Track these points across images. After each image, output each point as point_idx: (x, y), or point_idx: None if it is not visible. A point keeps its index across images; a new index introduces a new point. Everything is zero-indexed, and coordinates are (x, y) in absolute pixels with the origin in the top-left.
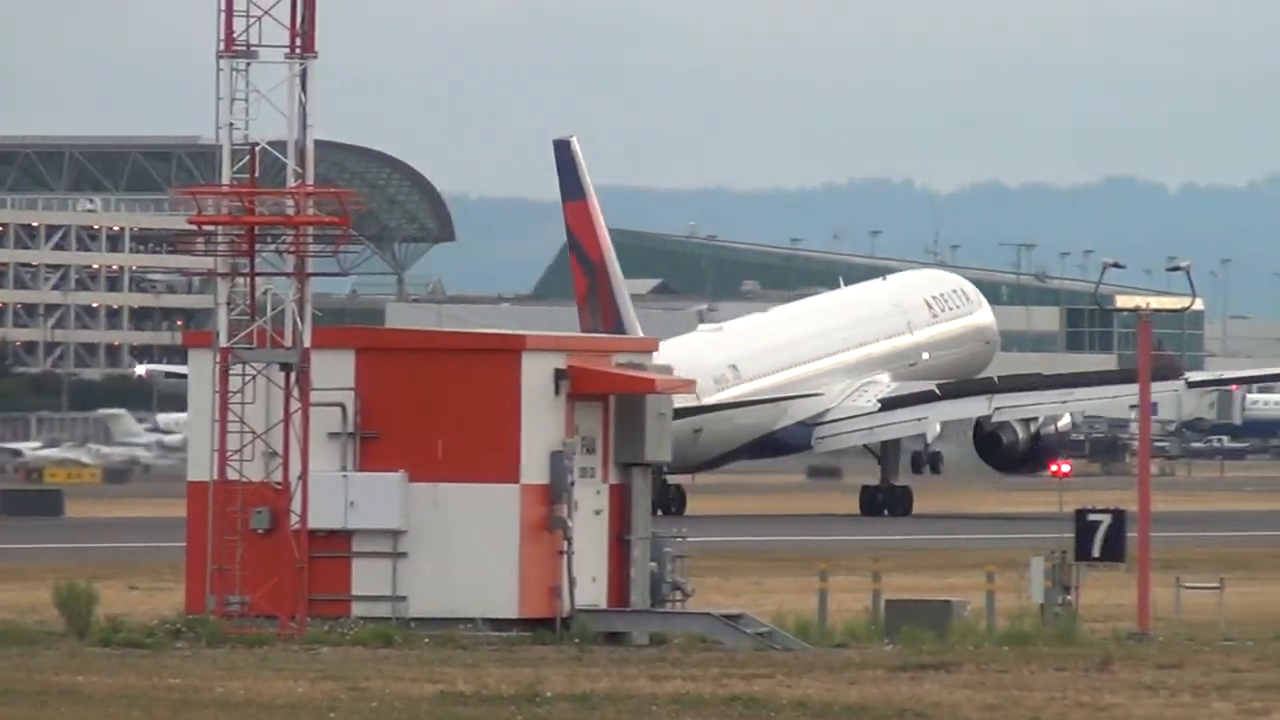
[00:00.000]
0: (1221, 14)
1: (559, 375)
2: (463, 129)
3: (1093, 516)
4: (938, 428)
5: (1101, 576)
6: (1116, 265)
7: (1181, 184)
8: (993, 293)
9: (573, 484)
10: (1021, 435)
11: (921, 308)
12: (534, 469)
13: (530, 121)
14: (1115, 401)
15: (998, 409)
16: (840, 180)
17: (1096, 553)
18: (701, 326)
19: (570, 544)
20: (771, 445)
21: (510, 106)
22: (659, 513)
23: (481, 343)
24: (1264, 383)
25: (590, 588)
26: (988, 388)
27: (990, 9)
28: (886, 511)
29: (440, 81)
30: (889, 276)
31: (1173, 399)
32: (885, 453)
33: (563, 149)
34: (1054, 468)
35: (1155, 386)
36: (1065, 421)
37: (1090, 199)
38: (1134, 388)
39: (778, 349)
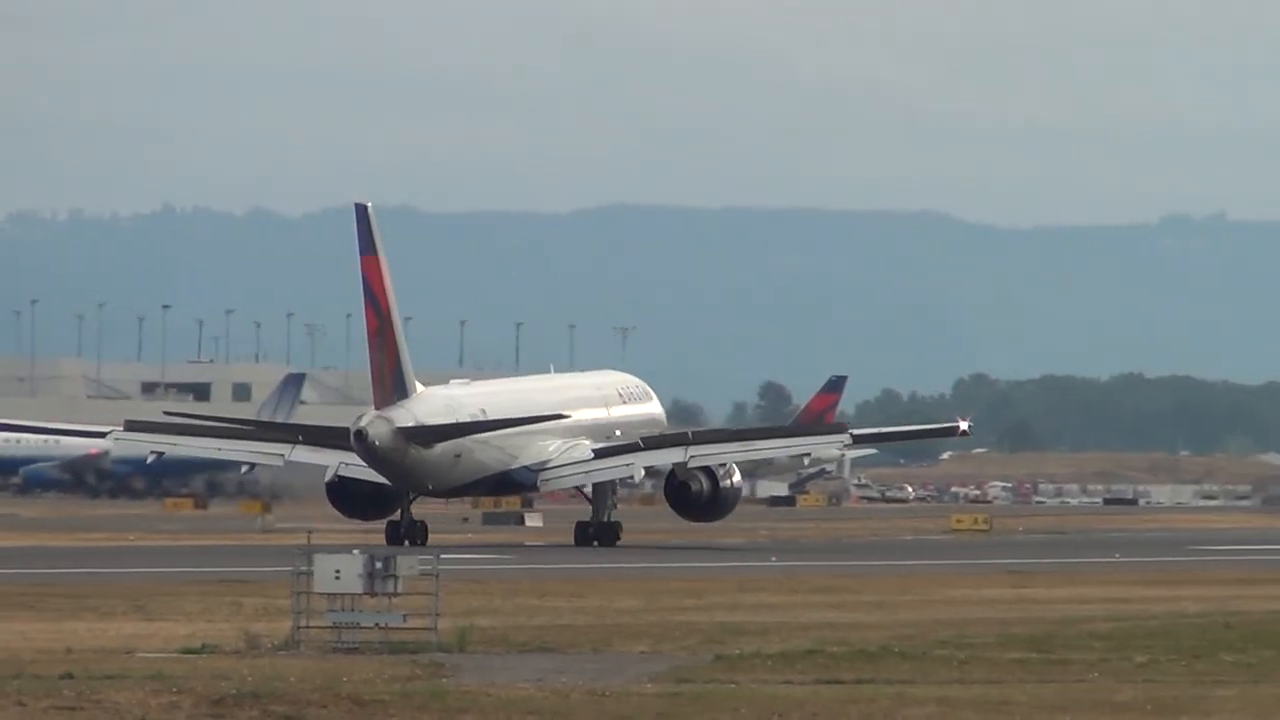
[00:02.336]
0: None
1: None
2: None
3: None
4: (642, 471)
5: None
6: None
7: None
8: None
9: None
10: (706, 486)
11: (615, 396)
12: None
13: None
14: (789, 451)
15: (693, 457)
16: None
17: None
18: (454, 380)
19: None
20: (506, 483)
21: None
22: (406, 543)
23: None
24: (923, 438)
25: None
26: (683, 440)
27: None
28: (596, 543)
29: None
30: (589, 372)
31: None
32: (596, 494)
33: (361, 212)
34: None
35: (822, 440)
36: (738, 477)
37: None
38: (807, 440)
39: (514, 403)
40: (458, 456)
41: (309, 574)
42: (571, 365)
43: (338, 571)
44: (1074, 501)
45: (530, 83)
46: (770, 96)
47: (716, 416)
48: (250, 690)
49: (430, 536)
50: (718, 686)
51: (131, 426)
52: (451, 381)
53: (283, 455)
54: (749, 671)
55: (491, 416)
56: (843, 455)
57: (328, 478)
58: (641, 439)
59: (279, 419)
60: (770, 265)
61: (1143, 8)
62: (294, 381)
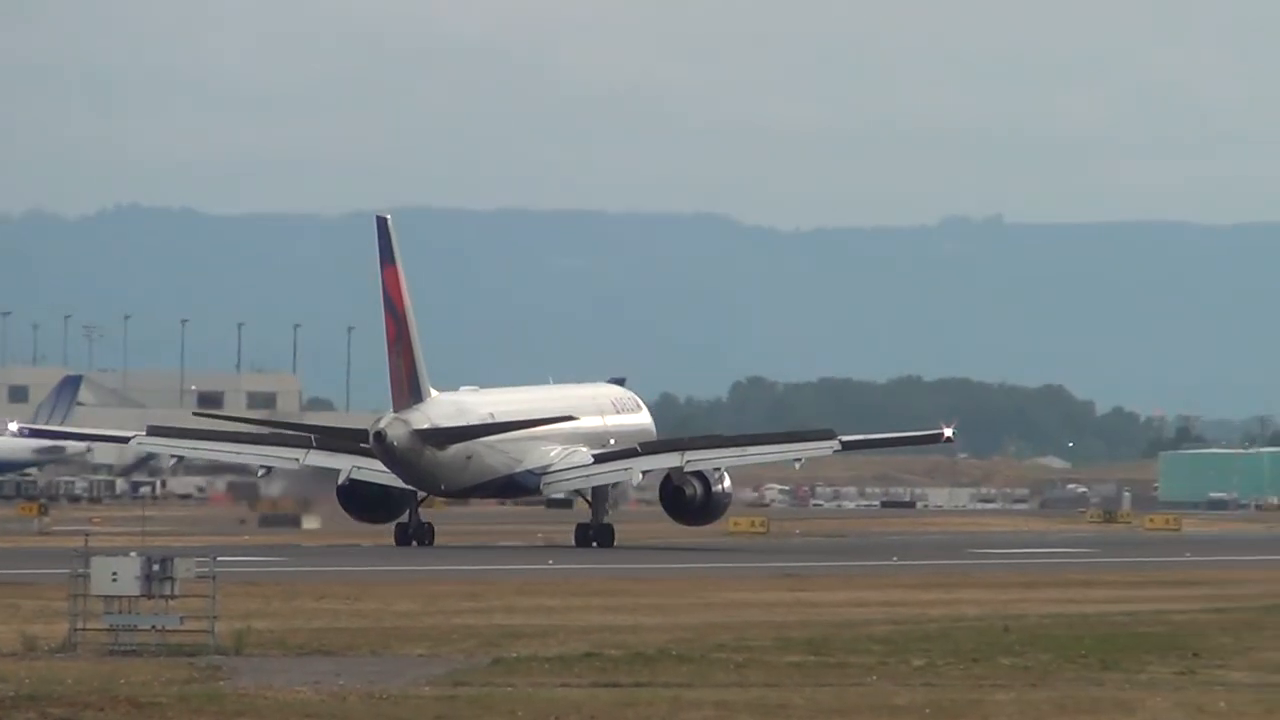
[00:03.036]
0: None
1: None
2: None
3: None
4: (640, 476)
5: None
6: None
7: None
8: None
9: None
10: (700, 491)
11: (609, 407)
12: None
13: None
14: (782, 457)
15: (689, 461)
16: None
17: None
18: (464, 387)
19: None
20: (511, 486)
21: None
22: (414, 544)
23: None
24: (910, 444)
25: None
26: (679, 445)
27: None
28: (595, 544)
29: None
30: (585, 384)
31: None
32: (595, 498)
33: (381, 225)
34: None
35: (812, 445)
36: (729, 483)
37: None
38: (798, 446)
39: (520, 410)
40: (469, 458)
41: (86, 576)
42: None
43: (115, 574)
44: (851, 505)
45: (303, 84)
46: (544, 98)
47: None
48: (27, 693)
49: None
50: (495, 689)
51: (154, 431)
52: (461, 388)
53: (297, 459)
54: (526, 674)
55: (499, 419)
56: None
57: (340, 480)
58: (640, 445)
59: (55, 422)
60: (547, 268)
61: (919, 11)
62: (71, 384)
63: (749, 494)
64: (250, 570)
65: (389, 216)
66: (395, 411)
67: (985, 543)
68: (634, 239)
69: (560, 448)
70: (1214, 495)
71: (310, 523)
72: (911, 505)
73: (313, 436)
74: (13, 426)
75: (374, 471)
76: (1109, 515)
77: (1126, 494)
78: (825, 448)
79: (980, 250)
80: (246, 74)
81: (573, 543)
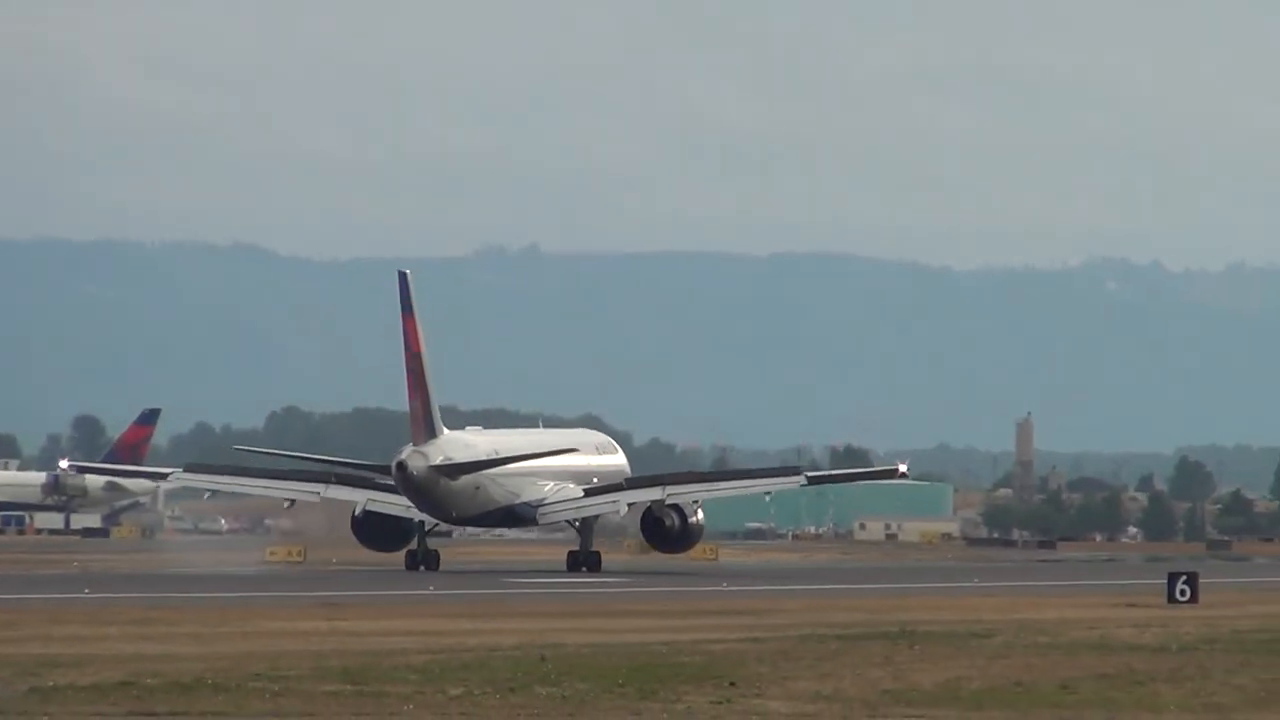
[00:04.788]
0: None
1: None
2: None
3: None
4: (626, 507)
5: None
6: None
7: None
8: None
9: None
10: (677, 522)
11: (592, 448)
12: None
13: None
14: (753, 490)
15: (670, 494)
16: None
17: None
18: (470, 427)
19: None
20: (511, 516)
21: None
22: (422, 568)
23: None
24: (869, 479)
25: None
26: (660, 480)
27: None
28: (584, 569)
29: None
30: (570, 430)
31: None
32: (584, 527)
33: (402, 278)
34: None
35: (780, 480)
36: (702, 515)
37: None
38: (767, 481)
39: (520, 448)
40: (477, 489)
41: None
42: None
43: None
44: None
45: None
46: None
47: (30, 449)
48: None
49: None
50: (31, 719)
51: (191, 468)
52: (468, 428)
53: (318, 493)
54: (62, 703)
55: (502, 455)
56: (158, 488)
57: (356, 512)
58: (625, 479)
59: None
60: (79, 298)
61: (440, 42)
62: None
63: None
64: None
65: (409, 271)
66: (414, 446)
67: (526, 572)
68: (171, 269)
69: (553, 483)
70: (751, 525)
71: None
72: (449, 534)
73: (332, 473)
74: (63, 464)
75: (387, 504)
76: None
77: None
78: (792, 482)
79: (517, 280)
80: None
81: (564, 568)
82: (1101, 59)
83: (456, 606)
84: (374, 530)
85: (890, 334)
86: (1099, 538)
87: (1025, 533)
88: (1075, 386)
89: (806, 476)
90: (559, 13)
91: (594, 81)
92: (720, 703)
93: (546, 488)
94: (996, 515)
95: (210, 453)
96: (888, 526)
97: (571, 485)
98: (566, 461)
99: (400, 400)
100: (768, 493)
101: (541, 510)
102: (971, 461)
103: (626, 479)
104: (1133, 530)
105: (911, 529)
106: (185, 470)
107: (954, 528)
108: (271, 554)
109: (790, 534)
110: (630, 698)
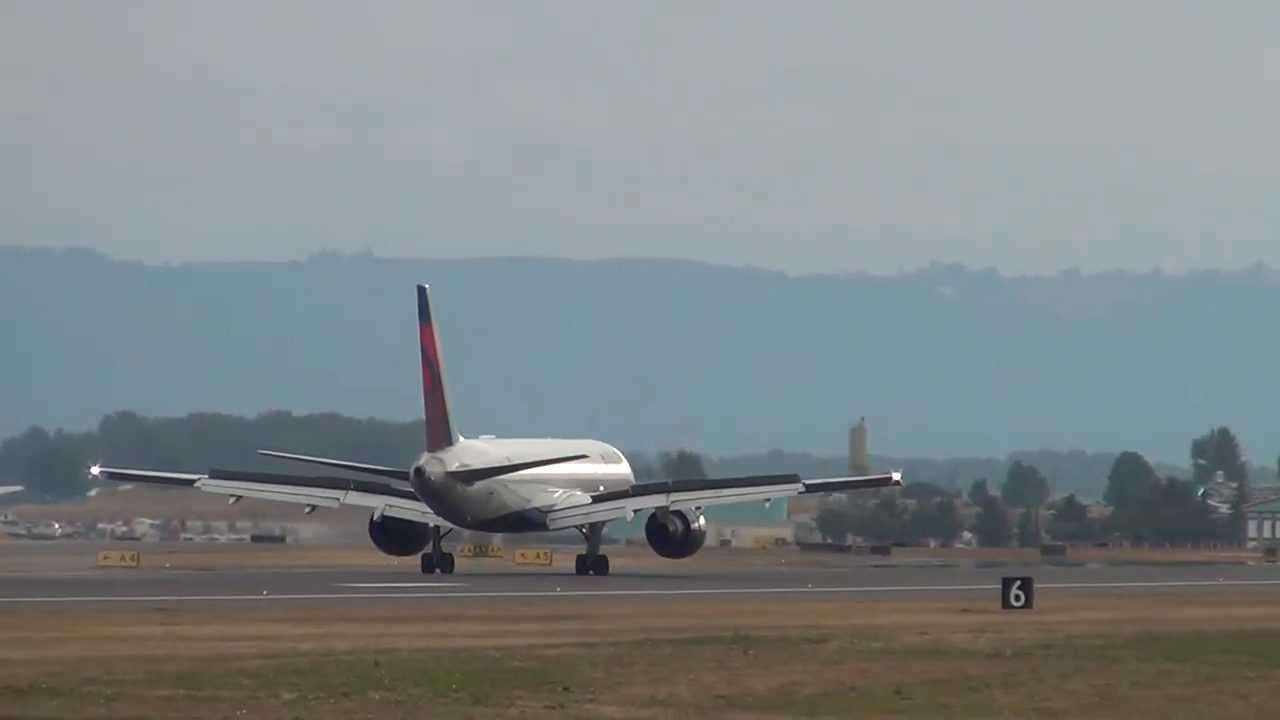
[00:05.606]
0: None
1: None
2: None
3: None
4: (632, 514)
5: None
6: None
7: None
8: None
9: None
10: (681, 527)
11: (598, 457)
12: None
13: None
14: (754, 497)
15: (674, 501)
16: None
17: None
18: (483, 436)
19: None
20: (522, 521)
21: None
22: (437, 571)
23: None
24: (865, 486)
25: None
26: (665, 488)
27: None
28: (591, 572)
29: None
30: (577, 440)
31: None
32: (591, 533)
33: (421, 292)
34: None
35: (779, 488)
36: (704, 521)
37: None
38: (766, 488)
39: (531, 455)
40: (490, 494)
41: None
42: None
43: None
44: (222, 539)
45: None
46: None
47: None
48: None
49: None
50: None
51: (216, 474)
52: (481, 437)
53: (338, 499)
54: None
55: (514, 461)
56: None
57: (375, 517)
58: (631, 487)
59: None
60: None
61: (277, 46)
62: None
63: (119, 527)
64: None
65: (428, 286)
66: (431, 452)
67: (356, 577)
68: (3, 273)
69: (561, 490)
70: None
71: None
72: (282, 539)
73: (350, 480)
74: (95, 469)
75: (403, 509)
76: (480, 549)
77: None
78: (791, 489)
79: (352, 285)
80: None
81: (573, 571)
82: (941, 64)
83: (290, 611)
84: (390, 534)
85: (726, 338)
86: (933, 543)
87: (859, 538)
88: (909, 392)
89: (805, 484)
90: (397, 16)
91: (433, 85)
92: (554, 708)
93: (556, 494)
94: (831, 520)
95: (42, 457)
96: (721, 532)
97: (579, 492)
98: (574, 469)
99: (240, 406)
100: (767, 499)
101: (551, 516)
102: (806, 466)
103: (633, 486)
104: (967, 535)
105: (746, 534)
106: (211, 476)
107: (788, 533)
108: (105, 558)
109: (624, 540)
110: (464, 702)
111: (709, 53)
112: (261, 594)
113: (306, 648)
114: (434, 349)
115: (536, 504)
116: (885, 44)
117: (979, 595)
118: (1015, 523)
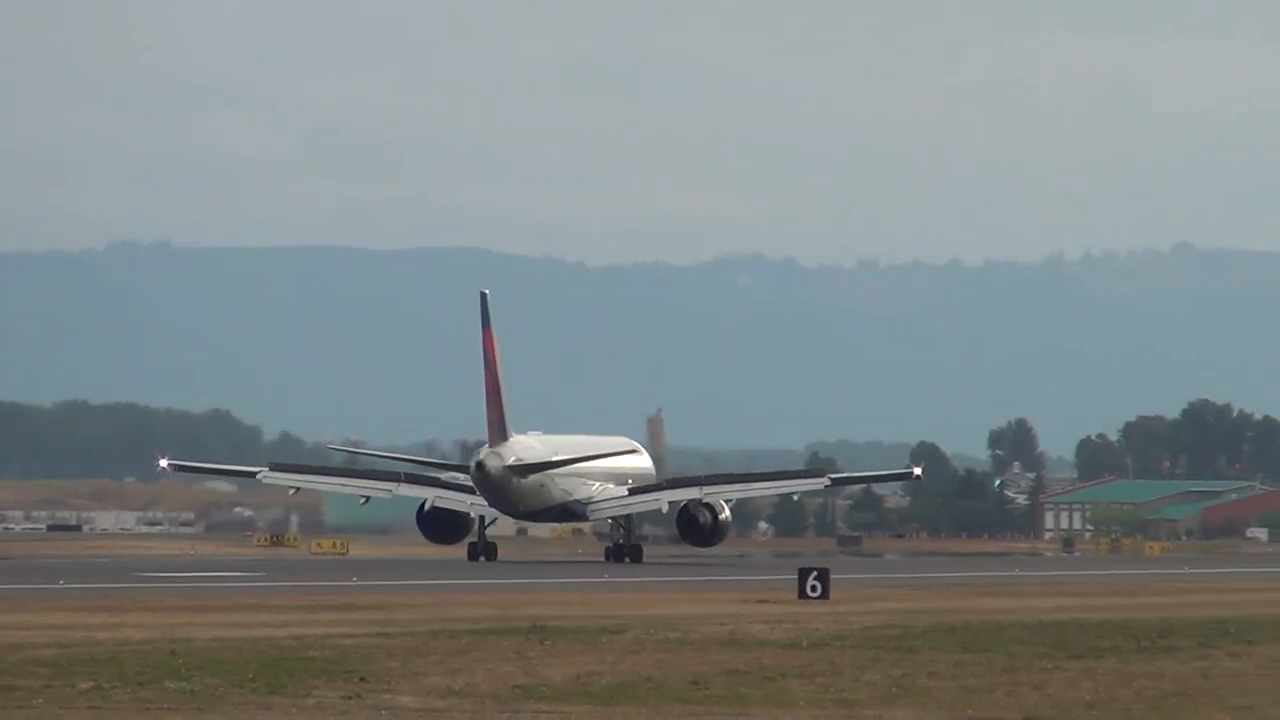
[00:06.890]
0: None
1: None
2: None
3: None
4: (667, 505)
5: None
6: None
7: None
8: None
9: None
10: (710, 518)
11: (628, 453)
12: None
13: None
14: (781, 490)
15: (706, 493)
16: None
17: None
18: (530, 431)
19: None
20: (566, 512)
21: None
22: (482, 559)
23: None
24: (892, 480)
25: None
26: (696, 481)
27: None
28: (627, 559)
29: None
30: (607, 436)
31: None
32: (627, 523)
33: (483, 298)
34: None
35: (806, 481)
36: (729, 512)
37: None
38: (794, 482)
39: (575, 450)
40: (541, 486)
41: None
42: None
43: None
44: (17, 528)
45: None
46: None
47: None
48: None
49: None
50: None
51: (276, 467)
52: (529, 432)
53: (390, 490)
54: None
55: (560, 455)
56: None
57: (425, 508)
58: (665, 480)
59: None
60: None
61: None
62: None
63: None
64: None
65: (488, 291)
66: (490, 447)
67: (153, 566)
68: None
69: (598, 484)
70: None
71: None
72: (78, 529)
73: (402, 472)
74: (163, 462)
75: (451, 500)
76: (277, 539)
77: (294, 518)
78: (817, 483)
79: (148, 275)
80: None
81: (603, 558)
82: (739, 55)
83: (86, 600)
84: (436, 524)
85: (522, 329)
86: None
87: (657, 529)
88: (707, 382)
89: (830, 478)
90: (195, 3)
91: (228, 73)
92: (350, 698)
93: (594, 487)
94: None
95: None
96: (518, 522)
97: (612, 485)
98: (606, 463)
99: (30, 393)
100: (794, 493)
101: (591, 507)
102: None
103: (667, 479)
104: (763, 526)
105: (542, 525)
106: (271, 469)
107: (585, 524)
108: None
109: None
110: (260, 692)
111: (507, 42)
112: (59, 583)
113: (103, 637)
114: (493, 353)
115: (578, 496)
116: (682, 35)
117: (776, 586)
118: (812, 513)
